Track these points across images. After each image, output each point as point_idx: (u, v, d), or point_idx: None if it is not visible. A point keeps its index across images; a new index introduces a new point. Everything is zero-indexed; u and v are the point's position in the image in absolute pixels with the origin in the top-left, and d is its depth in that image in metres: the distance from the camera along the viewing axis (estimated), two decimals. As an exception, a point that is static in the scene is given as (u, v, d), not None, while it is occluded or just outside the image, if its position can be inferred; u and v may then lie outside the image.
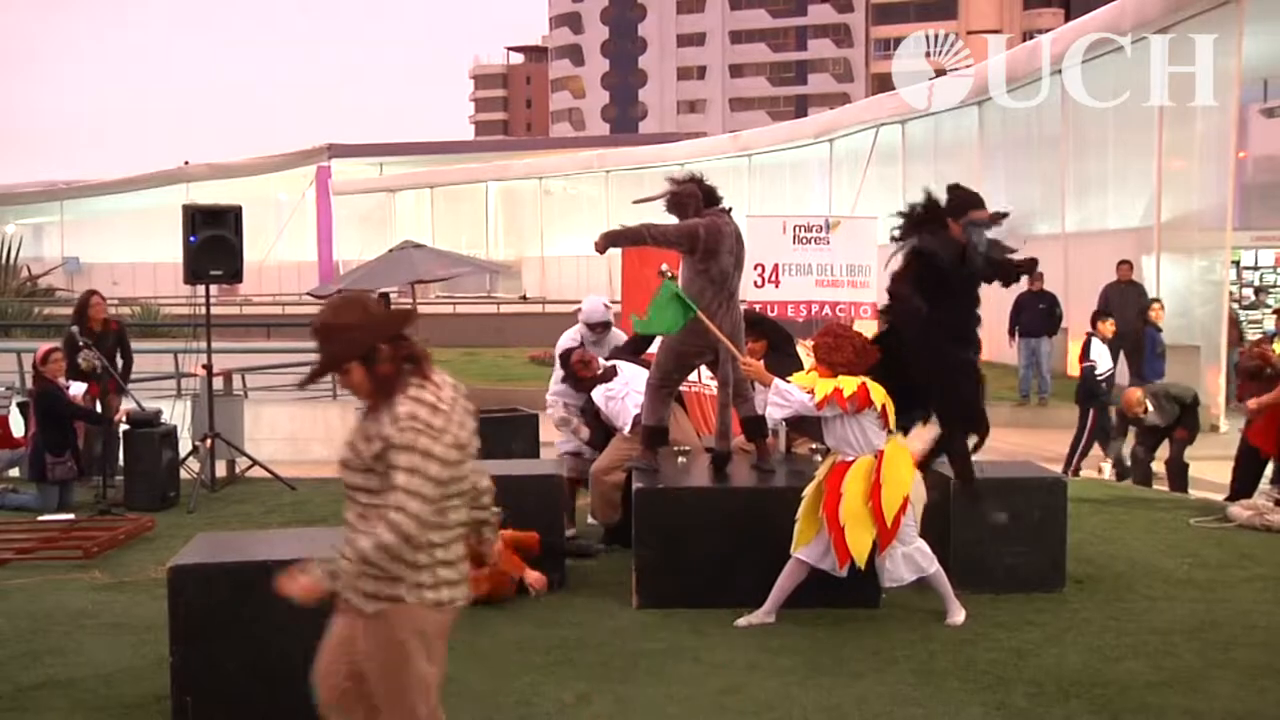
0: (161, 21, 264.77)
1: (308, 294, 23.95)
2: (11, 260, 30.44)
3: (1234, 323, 13.74)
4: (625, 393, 6.57)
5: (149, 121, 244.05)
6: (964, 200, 5.27)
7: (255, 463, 9.05)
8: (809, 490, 5.30)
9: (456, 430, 3.08)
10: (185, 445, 8.91)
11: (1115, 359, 10.78)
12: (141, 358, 11.24)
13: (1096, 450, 10.21)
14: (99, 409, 8.69)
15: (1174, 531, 7.22)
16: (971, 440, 5.46)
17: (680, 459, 6.12)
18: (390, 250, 16.66)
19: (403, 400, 3.01)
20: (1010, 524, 5.73)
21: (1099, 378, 10.27)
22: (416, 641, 3.03)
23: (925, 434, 5.54)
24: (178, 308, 25.25)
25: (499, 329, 24.17)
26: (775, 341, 6.58)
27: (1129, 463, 9.71)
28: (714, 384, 6.46)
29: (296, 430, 13.44)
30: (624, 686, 4.57)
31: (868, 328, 7.42)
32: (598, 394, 6.74)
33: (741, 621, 5.26)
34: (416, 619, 3.03)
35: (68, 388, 8.51)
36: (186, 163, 44.71)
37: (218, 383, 9.31)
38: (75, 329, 8.74)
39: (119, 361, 9.09)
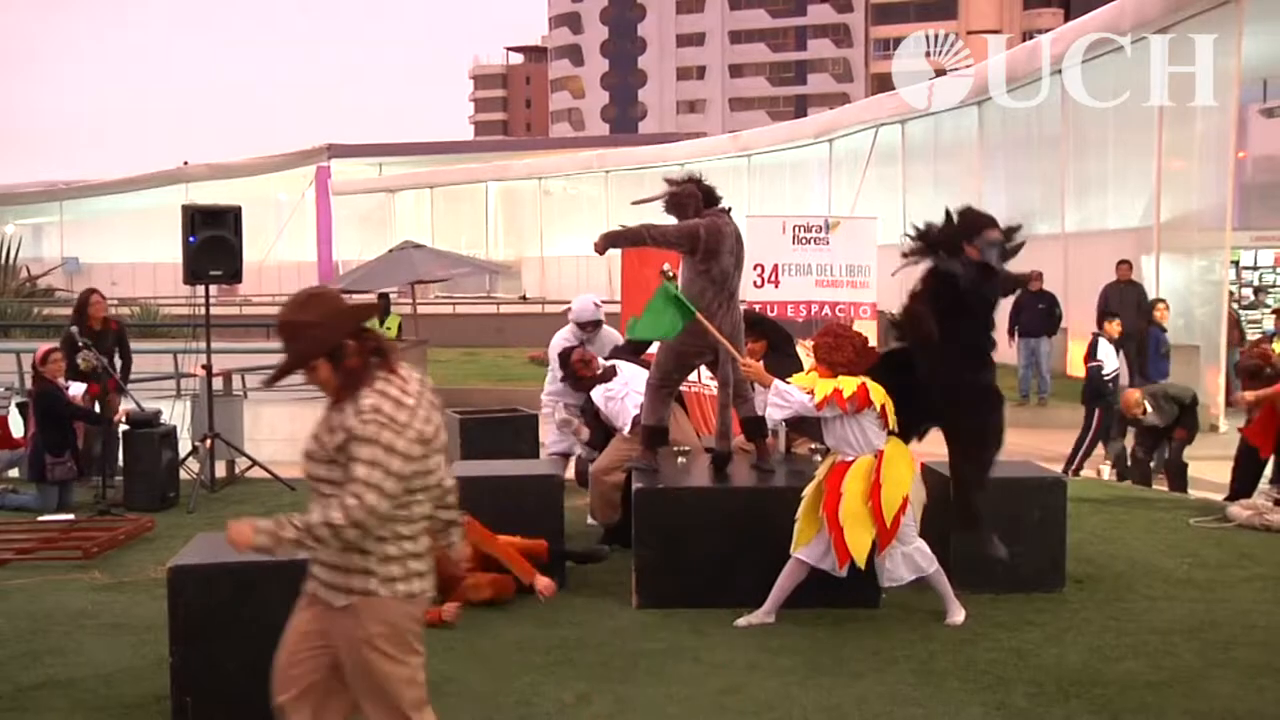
0: (161, 21, 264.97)
1: (307, 294, 24.00)
2: (11, 260, 30.42)
3: (1235, 323, 13.74)
4: (625, 393, 6.58)
5: (149, 121, 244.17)
6: (978, 222, 5.27)
7: (255, 463, 9.06)
8: (809, 490, 5.30)
9: (421, 425, 3.05)
10: (185, 445, 8.91)
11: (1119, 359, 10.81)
12: (141, 358, 11.23)
13: (1098, 450, 10.22)
14: (98, 409, 8.69)
15: (1174, 531, 7.22)
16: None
17: (680, 459, 6.12)
18: (390, 250, 16.74)
19: (367, 393, 3.00)
20: (1010, 524, 5.72)
21: (1106, 377, 10.29)
22: (390, 634, 3.04)
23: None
24: (177, 308, 25.26)
25: (499, 329, 24.17)
26: (775, 342, 6.58)
27: (1129, 463, 9.72)
28: (714, 384, 6.47)
29: (296, 430, 13.41)
30: (624, 686, 4.57)
31: (868, 328, 7.43)
32: (597, 394, 6.74)
33: (741, 621, 5.26)
34: (389, 611, 3.03)
35: (67, 388, 8.51)
36: (186, 163, 44.69)
37: (217, 383, 9.31)
38: (75, 329, 8.74)
39: (117, 362, 9.09)
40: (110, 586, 6.08)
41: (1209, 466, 9.66)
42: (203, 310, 9.34)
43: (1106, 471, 9.96)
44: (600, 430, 6.87)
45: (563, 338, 7.27)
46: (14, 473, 9.16)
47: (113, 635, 5.25)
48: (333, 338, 3.03)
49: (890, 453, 5.21)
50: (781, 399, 5.22)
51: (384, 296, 15.89)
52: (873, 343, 5.64)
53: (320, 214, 40.76)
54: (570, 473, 7.17)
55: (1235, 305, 14.47)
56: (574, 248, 32.87)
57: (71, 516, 7.73)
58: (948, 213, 5.23)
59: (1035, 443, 10.87)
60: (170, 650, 4.22)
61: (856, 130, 24.27)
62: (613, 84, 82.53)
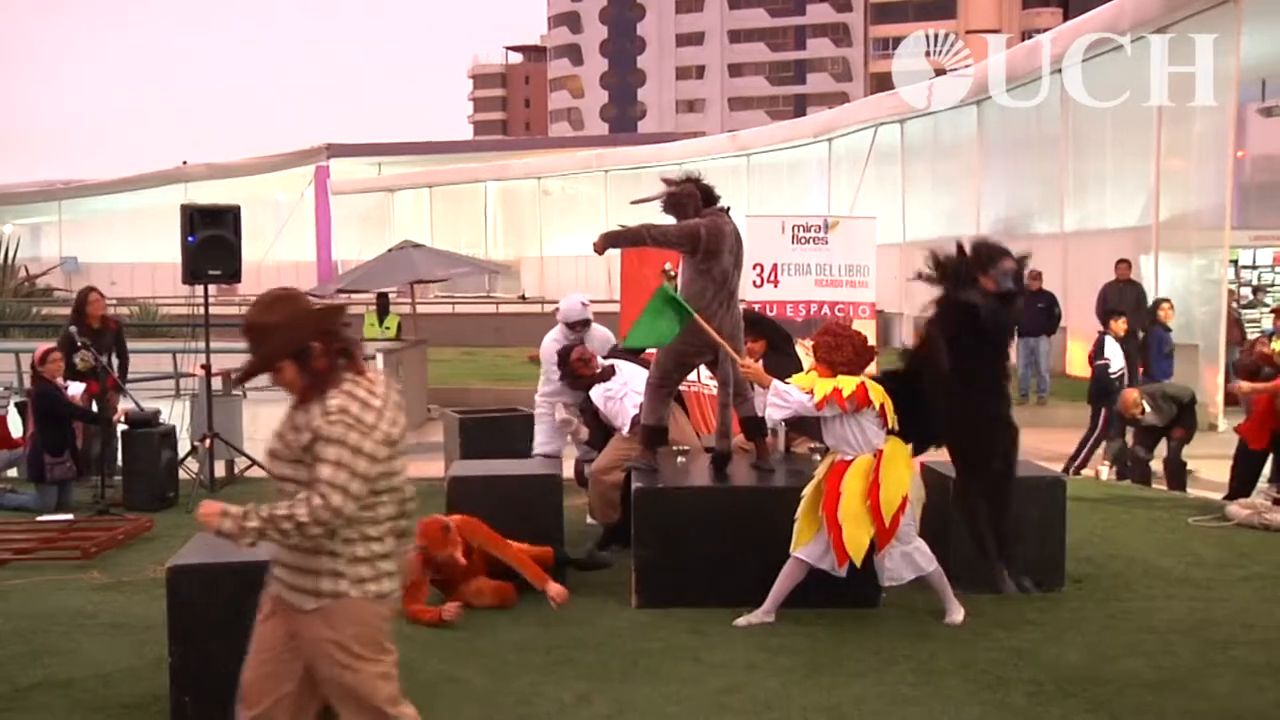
0: (161, 21, 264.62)
1: (307, 294, 23.98)
2: (9, 260, 30.40)
3: (1237, 322, 13.76)
4: (624, 393, 6.57)
5: (148, 122, 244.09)
6: (993, 253, 5.27)
7: (254, 462, 9.04)
8: (808, 490, 5.30)
9: (388, 427, 3.05)
10: (184, 445, 8.91)
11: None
12: (140, 358, 11.23)
13: (1098, 450, 10.23)
14: (96, 409, 8.68)
15: (1172, 530, 7.23)
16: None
17: (679, 459, 6.12)
18: (389, 250, 16.71)
19: (334, 394, 3.00)
20: (1009, 524, 5.72)
21: (1112, 376, 10.31)
22: (362, 634, 3.03)
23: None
24: (176, 308, 25.22)
25: (498, 329, 24.16)
26: (775, 341, 6.59)
27: (1128, 462, 9.73)
28: (714, 383, 6.47)
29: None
30: (623, 686, 4.57)
31: (867, 327, 7.44)
32: (597, 394, 6.74)
33: (741, 621, 5.26)
34: (361, 612, 3.03)
35: (66, 388, 8.50)
36: (185, 162, 44.66)
37: (216, 383, 9.30)
38: (73, 329, 8.73)
39: (114, 361, 9.08)
40: (109, 586, 6.08)
41: (1208, 466, 9.68)
42: (202, 310, 9.33)
43: (1105, 471, 9.97)
44: (599, 430, 6.87)
45: (552, 338, 7.26)
46: (13, 472, 9.15)
47: (112, 635, 5.25)
48: (299, 339, 3.01)
49: (889, 452, 5.22)
50: (781, 399, 5.22)
51: (383, 296, 15.88)
52: (872, 342, 5.65)
53: (319, 214, 40.76)
54: (569, 472, 7.18)
55: (1236, 304, 14.48)
56: (573, 247, 32.87)
57: (70, 516, 7.72)
58: (960, 245, 5.22)
59: (1034, 442, 10.86)
60: (169, 650, 4.22)
61: (855, 130, 24.27)
62: (612, 83, 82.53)
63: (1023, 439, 5.52)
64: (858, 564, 5.14)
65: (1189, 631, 5.20)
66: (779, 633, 5.15)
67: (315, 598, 3.01)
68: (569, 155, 39.82)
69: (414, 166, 42.54)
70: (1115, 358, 10.44)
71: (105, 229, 44.59)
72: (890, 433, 5.25)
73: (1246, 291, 15.75)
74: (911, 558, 5.25)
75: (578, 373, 6.83)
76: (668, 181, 5.95)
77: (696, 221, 5.69)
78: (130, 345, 9.83)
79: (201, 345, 9.16)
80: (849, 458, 5.19)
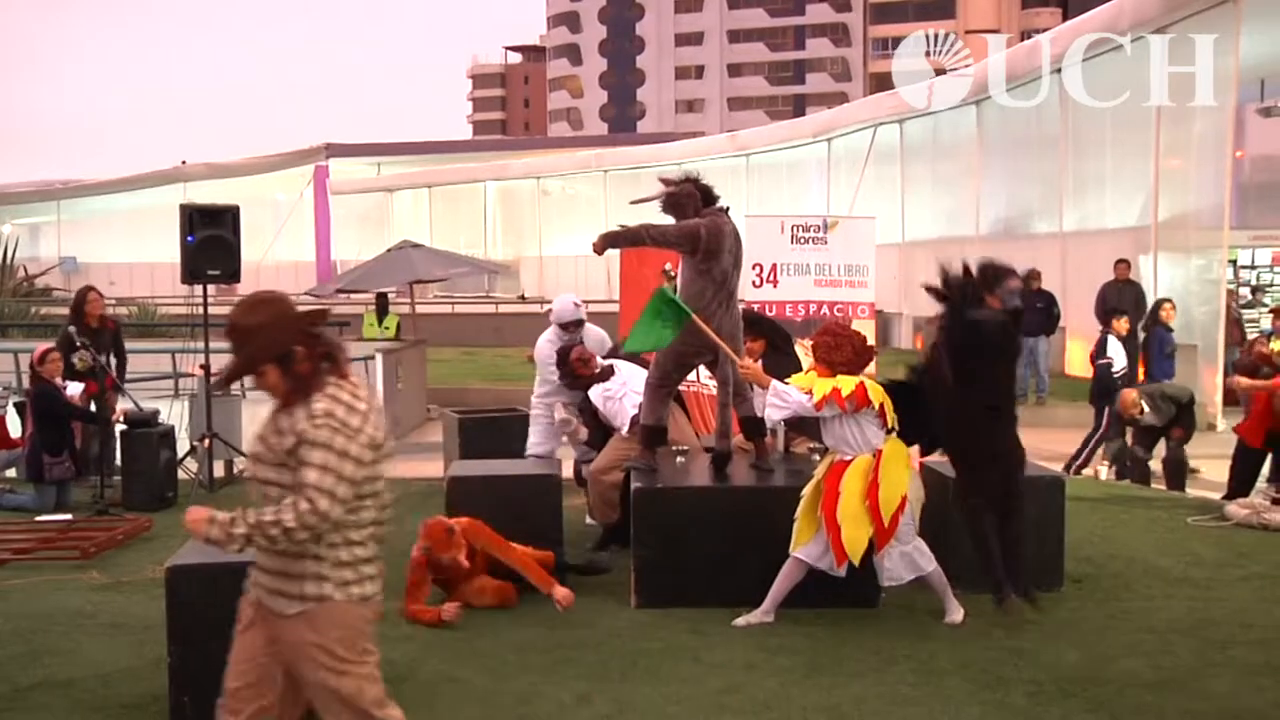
0: (159, 22, 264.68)
1: (306, 294, 23.95)
2: (8, 260, 30.38)
3: (1237, 323, 13.77)
4: (623, 393, 6.57)
5: (148, 121, 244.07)
6: (999, 273, 5.29)
7: (253, 463, 9.03)
8: (808, 489, 5.30)
9: (372, 430, 3.04)
10: (183, 445, 8.91)
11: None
12: (139, 358, 11.23)
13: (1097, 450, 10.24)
14: (95, 409, 8.67)
15: (1171, 530, 7.23)
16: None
17: (678, 459, 6.12)
18: (389, 250, 16.70)
19: (319, 397, 2.99)
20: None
21: (1115, 375, 10.33)
22: (346, 637, 3.03)
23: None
24: (175, 308, 25.21)
25: (497, 329, 24.13)
26: (774, 341, 6.59)
27: (1127, 462, 9.74)
28: (713, 383, 6.47)
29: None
30: (623, 686, 4.57)
31: (866, 327, 7.44)
32: (595, 394, 6.74)
33: (740, 621, 5.26)
34: (345, 615, 3.03)
35: (65, 388, 8.50)
36: (184, 162, 44.63)
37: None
38: (72, 328, 8.73)
39: (112, 361, 9.08)
40: (108, 586, 6.08)
41: (1206, 466, 9.69)
42: (201, 310, 9.33)
43: (1105, 471, 9.97)
44: (599, 430, 6.87)
45: (546, 339, 7.23)
46: (12, 472, 9.14)
47: (111, 635, 5.25)
48: (282, 342, 3.00)
49: (889, 452, 5.22)
50: (780, 399, 5.22)
51: (382, 296, 15.87)
52: (871, 342, 5.65)
53: (318, 213, 40.75)
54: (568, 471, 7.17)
55: (1236, 304, 14.49)
56: (572, 247, 32.85)
57: (69, 516, 7.72)
58: (966, 266, 5.23)
59: (1033, 442, 10.80)
60: (168, 650, 4.22)
61: (855, 130, 24.27)
62: (611, 83, 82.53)
63: (1022, 439, 5.52)
64: (856, 564, 5.14)
65: (1188, 631, 5.21)
66: (778, 633, 5.15)
67: (299, 601, 3.00)
68: (568, 155, 39.81)
69: (413, 166, 42.52)
70: (1118, 357, 10.46)
71: (104, 229, 44.55)
72: (889, 431, 5.25)
73: (1245, 291, 15.75)
74: (911, 558, 5.25)
75: (577, 373, 6.83)
76: (666, 181, 5.94)
77: (696, 221, 5.68)
78: (129, 345, 9.83)
79: (200, 345, 9.16)
80: (848, 458, 5.20)
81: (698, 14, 79.34)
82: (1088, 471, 10.02)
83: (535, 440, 7.23)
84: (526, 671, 4.73)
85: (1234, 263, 15.15)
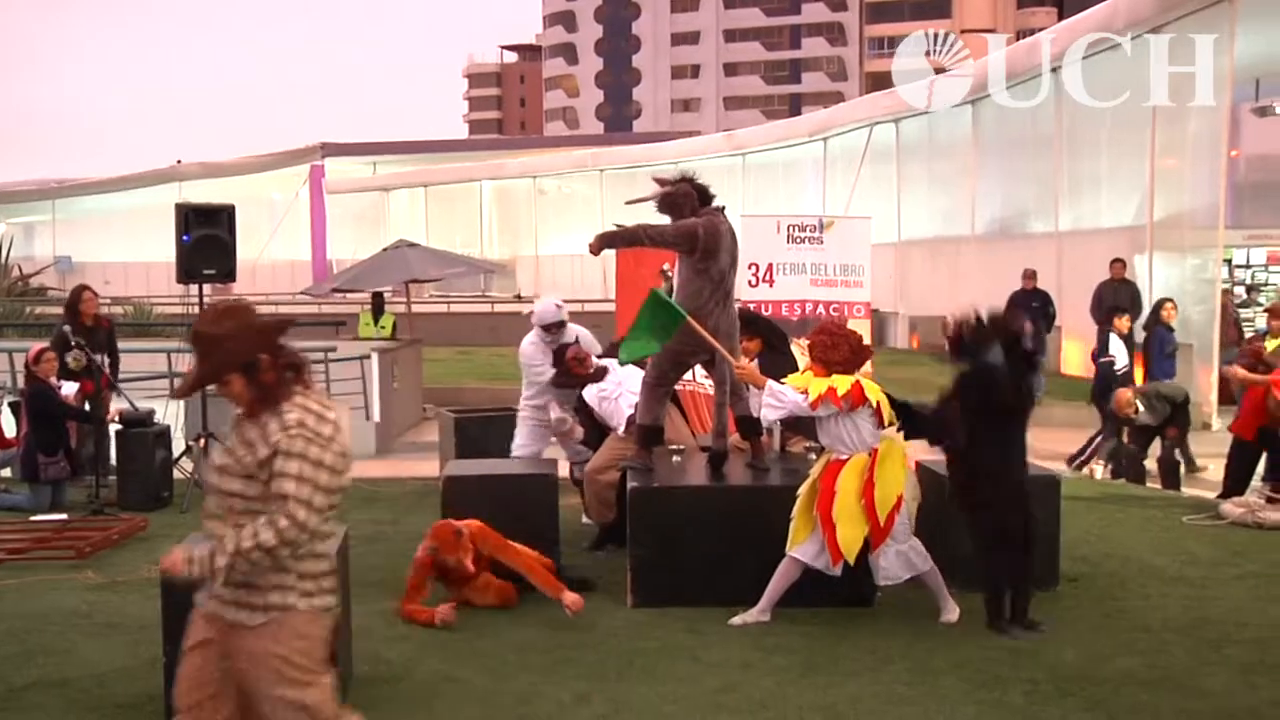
0: (160, 22, 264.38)
1: (302, 293, 23.92)
2: (3, 260, 30.31)
3: (1235, 323, 13.81)
4: (619, 393, 6.57)
5: (147, 121, 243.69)
6: (1016, 320, 5.31)
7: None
8: (804, 489, 5.30)
9: (342, 439, 3.03)
10: (179, 445, 8.89)
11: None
12: (135, 357, 11.20)
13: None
14: (90, 408, 8.66)
15: (1167, 529, 7.24)
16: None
17: (675, 458, 6.11)
18: (384, 249, 16.68)
19: (290, 407, 2.97)
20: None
21: (1118, 373, 10.36)
22: (306, 649, 3.00)
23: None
24: (170, 307, 25.16)
25: (493, 328, 24.09)
26: (770, 340, 6.59)
27: (1123, 461, 9.76)
28: (709, 383, 6.47)
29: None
30: (620, 685, 4.57)
31: (862, 327, 7.45)
32: (591, 394, 6.73)
33: (736, 620, 5.26)
34: (306, 625, 3.01)
35: (60, 387, 8.48)
36: (179, 161, 44.56)
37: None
38: (67, 328, 8.71)
39: (105, 361, 9.05)
40: (104, 586, 6.07)
41: (1202, 464, 9.72)
42: (196, 309, 9.31)
43: (1100, 470, 9.99)
44: (594, 430, 6.86)
45: (530, 342, 7.17)
46: (6, 472, 9.12)
47: (106, 635, 5.24)
48: (247, 352, 2.98)
49: (884, 451, 5.23)
50: (775, 399, 5.23)
51: (378, 295, 15.85)
52: (867, 341, 5.66)
53: (314, 213, 40.71)
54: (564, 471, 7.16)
55: (1234, 304, 14.52)
56: (568, 246, 32.84)
57: (65, 516, 7.70)
58: (977, 315, 5.24)
59: (1028, 441, 10.88)
60: (164, 650, 4.20)
61: (851, 129, 24.28)
62: (607, 83, 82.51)
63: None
64: (851, 563, 5.14)
65: (1184, 630, 5.22)
66: (775, 632, 5.16)
67: (263, 612, 2.97)
68: (564, 154, 39.81)
69: (409, 165, 42.49)
70: (1120, 355, 10.50)
71: (99, 228, 44.45)
72: (892, 424, 5.25)
73: (1240, 291, 15.78)
74: (906, 557, 5.25)
75: (573, 371, 6.82)
76: (661, 181, 5.93)
77: (694, 221, 5.68)
78: (125, 345, 9.81)
79: (196, 345, 9.13)
80: (844, 457, 5.20)
81: (694, 13, 79.35)
82: (1090, 468, 10.05)
83: (521, 442, 7.18)
84: (525, 671, 4.73)
85: (1229, 262, 15.18)
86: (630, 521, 5.64)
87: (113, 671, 4.76)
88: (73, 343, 8.54)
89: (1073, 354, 15.23)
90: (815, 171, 26.38)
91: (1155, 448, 9.54)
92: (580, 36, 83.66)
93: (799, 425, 5.85)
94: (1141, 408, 9.35)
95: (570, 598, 5.34)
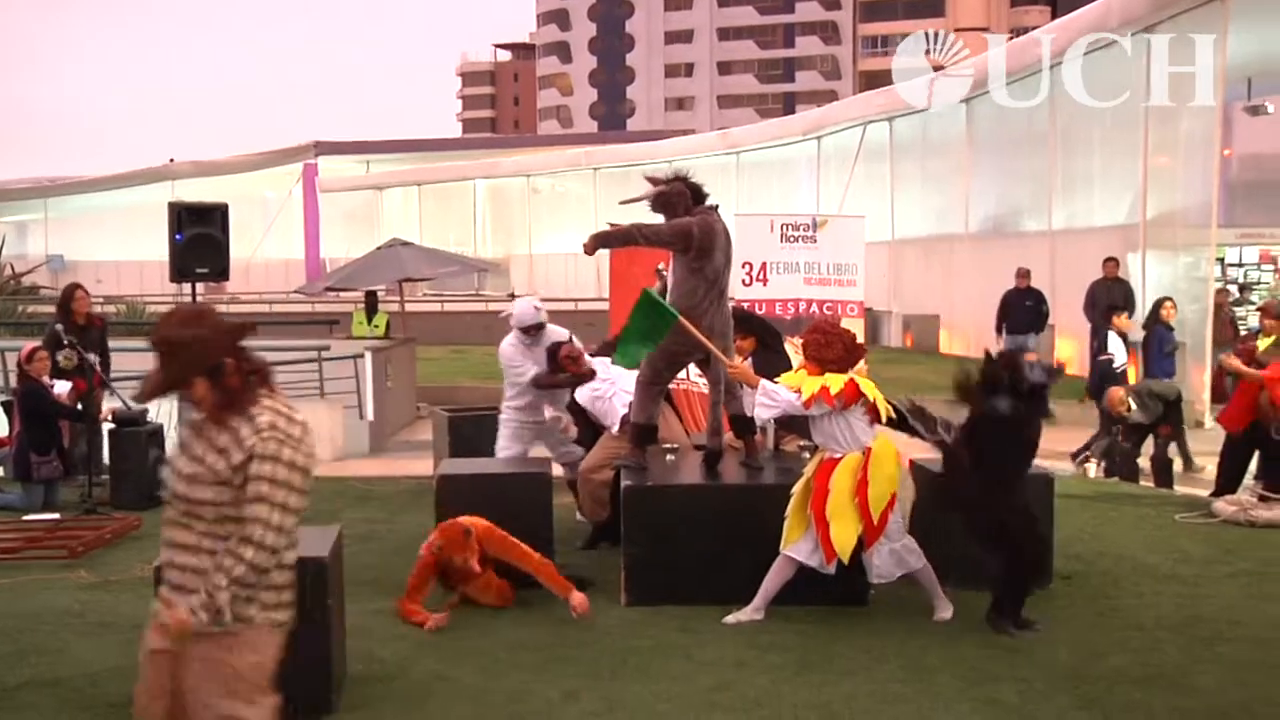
0: (160, 22, 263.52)
1: (296, 291, 23.88)
2: (-4, 258, 30.20)
3: (1230, 322, 13.85)
4: (613, 392, 6.56)
5: (146, 121, 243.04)
6: (1015, 360, 5.33)
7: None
8: (798, 487, 5.31)
9: (310, 440, 3.01)
10: (171, 444, 8.86)
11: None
12: (128, 356, 11.14)
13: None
14: (82, 407, 8.63)
15: (1160, 527, 7.26)
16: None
17: (669, 457, 6.11)
18: (378, 248, 16.66)
19: (261, 410, 2.94)
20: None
21: (1116, 370, 10.40)
22: (257, 666, 2.95)
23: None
24: (164, 306, 25.10)
25: (487, 327, 24.02)
26: (764, 339, 6.59)
27: (1116, 459, 9.78)
28: (704, 381, 6.47)
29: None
30: (613, 684, 4.57)
31: (855, 325, 7.45)
32: (584, 394, 6.72)
33: (730, 619, 5.27)
34: (262, 641, 2.97)
35: (52, 386, 8.46)
36: (172, 160, 44.44)
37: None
38: (60, 326, 8.68)
39: (98, 360, 9.02)
40: (96, 585, 6.06)
41: (1197, 462, 9.74)
42: (189, 308, 9.28)
43: (1093, 468, 10.01)
44: (588, 429, 6.85)
45: (510, 344, 7.10)
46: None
47: (99, 634, 5.22)
48: (211, 355, 2.95)
49: (878, 449, 5.23)
50: (769, 398, 5.23)
51: (372, 294, 15.84)
52: (860, 340, 5.66)
53: (308, 211, 40.63)
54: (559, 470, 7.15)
55: (1229, 303, 14.57)
56: (562, 245, 32.83)
57: (57, 516, 7.68)
58: (988, 354, 5.27)
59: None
60: (157, 650, 4.19)
61: (845, 128, 24.30)
62: (601, 81, 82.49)
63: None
64: (845, 561, 5.15)
65: (1176, 628, 5.23)
66: (769, 630, 5.16)
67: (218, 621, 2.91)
68: (558, 153, 39.78)
69: (403, 164, 42.43)
70: (1119, 353, 10.55)
71: (92, 227, 44.32)
72: (888, 420, 5.25)
73: (1233, 289, 15.84)
74: (900, 555, 5.26)
75: (565, 369, 6.80)
76: (655, 180, 5.92)
77: (689, 220, 5.67)
78: (118, 343, 9.78)
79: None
80: (837, 455, 5.20)
81: (687, 11, 79.35)
82: (1072, 470, 10.06)
83: (503, 444, 7.11)
84: (518, 670, 4.73)
85: (1222, 261, 15.23)
86: (624, 520, 5.64)
87: (105, 671, 4.74)
88: (65, 341, 8.52)
89: (1066, 352, 15.25)
90: (809, 170, 26.39)
91: (1149, 446, 9.57)
92: (574, 35, 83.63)
93: (793, 424, 5.86)
94: (1134, 406, 9.37)
95: (578, 598, 5.33)
